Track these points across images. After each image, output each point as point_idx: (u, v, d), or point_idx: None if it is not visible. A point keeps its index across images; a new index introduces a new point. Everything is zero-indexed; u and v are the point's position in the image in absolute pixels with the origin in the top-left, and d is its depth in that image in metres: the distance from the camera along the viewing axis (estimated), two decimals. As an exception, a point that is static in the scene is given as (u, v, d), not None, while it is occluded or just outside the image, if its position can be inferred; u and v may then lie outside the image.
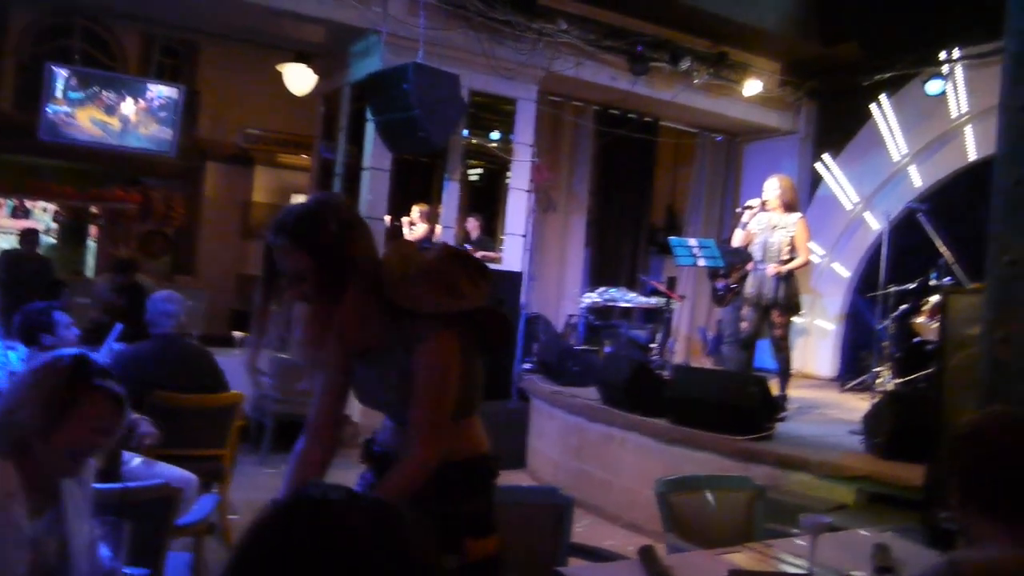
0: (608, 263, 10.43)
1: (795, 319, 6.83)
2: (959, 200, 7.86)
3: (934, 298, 6.92)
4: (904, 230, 7.78)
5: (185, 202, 11.05)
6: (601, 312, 8.94)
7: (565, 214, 10.26)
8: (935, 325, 6.64)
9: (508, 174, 8.70)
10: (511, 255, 8.23)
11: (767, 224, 6.34)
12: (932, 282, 7.11)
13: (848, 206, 9.38)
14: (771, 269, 6.22)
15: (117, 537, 1.78)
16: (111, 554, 1.80)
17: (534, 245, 8.28)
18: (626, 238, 10.56)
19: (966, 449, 1.69)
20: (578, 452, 6.22)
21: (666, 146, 10.65)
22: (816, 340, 9.63)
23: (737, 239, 6.50)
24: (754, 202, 6.51)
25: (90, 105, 7.82)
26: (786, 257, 6.23)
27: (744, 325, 6.43)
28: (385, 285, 1.98)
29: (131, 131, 8.05)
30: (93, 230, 11.70)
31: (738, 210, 6.74)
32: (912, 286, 7.42)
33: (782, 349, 6.43)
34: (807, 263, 6.52)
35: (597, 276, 10.16)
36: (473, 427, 2.15)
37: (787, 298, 6.28)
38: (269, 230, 1.95)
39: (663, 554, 2.39)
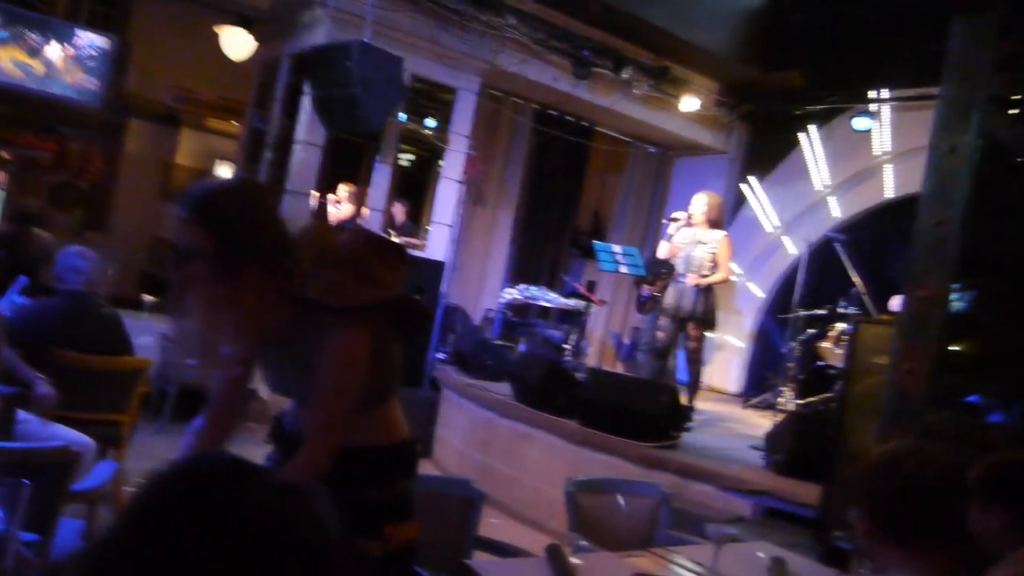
0: (531, 261, 10.51)
1: (710, 334, 6.98)
2: (872, 235, 8.18)
3: (840, 325, 7.18)
4: (820, 258, 8.04)
5: (104, 157, 10.59)
6: (519, 309, 8.98)
7: (493, 209, 10.29)
8: (839, 351, 6.90)
9: (440, 162, 8.65)
10: (436, 244, 8.18)
11: (692, 239, 6.46)
12: (840, 310, 7.38)
13: (769, 229, 9.63)
14: (691, 279, 6.34)
15: (14, 499, 1.70)
16: (6, 517, 1.72)
17: (460, 236, 8.26)
18: (551, 238, 10.66)
19: (881, 479, 1.73)
20: (486, 446, 6.24)
21: (599, 152, 10.75)
22: (726, 356, 9.86)
23: (662, 251, 6.61)
24: (680, 215, 6.63)
25: (13, 45, 7.41)
26: (707, 273, 6.36)
27: (660, 335, 6.54)
28: (294, 275, 1.89)
29: (55, 77, 7.66)
30: (1, 176, 11.16)
31: (664, 221, 6.85)
32: (821, 312, 7.68)
33: (694, 362, 6.57)
34: (727, 280, 6.66)
35: (519, 273, 10.21)
36: (393, 412, 2.13)
37: (704, 312, 6.41)
38: (178, 202, 1.87)
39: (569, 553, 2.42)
